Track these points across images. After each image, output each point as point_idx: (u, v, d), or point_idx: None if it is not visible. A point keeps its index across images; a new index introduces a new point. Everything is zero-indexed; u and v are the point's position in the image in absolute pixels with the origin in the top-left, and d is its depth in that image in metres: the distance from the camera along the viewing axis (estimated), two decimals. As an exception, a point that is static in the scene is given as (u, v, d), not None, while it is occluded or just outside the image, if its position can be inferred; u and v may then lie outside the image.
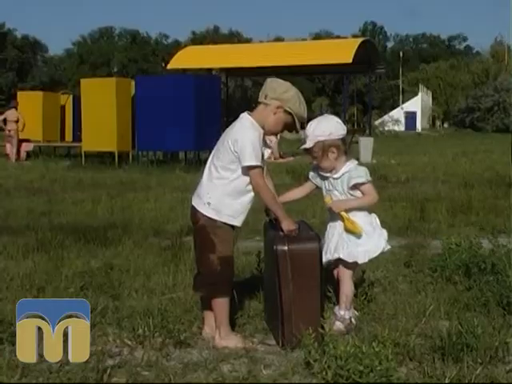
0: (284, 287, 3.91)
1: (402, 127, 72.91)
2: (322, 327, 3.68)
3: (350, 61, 23.26)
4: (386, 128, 64.54)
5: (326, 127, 4.27)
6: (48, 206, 10.14)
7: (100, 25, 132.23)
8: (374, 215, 4.39)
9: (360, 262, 4.31)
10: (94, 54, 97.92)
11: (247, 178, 3.99)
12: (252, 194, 4.05)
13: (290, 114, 4.05)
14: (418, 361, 3.65)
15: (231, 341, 3.99)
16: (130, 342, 4.00)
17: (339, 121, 4.39)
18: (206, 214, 4.00)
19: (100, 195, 11.19)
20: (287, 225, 3.96)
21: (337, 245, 4.31)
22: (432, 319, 4.40)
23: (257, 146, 3.96)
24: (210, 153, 4.18)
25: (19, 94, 26.93)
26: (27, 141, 23.11)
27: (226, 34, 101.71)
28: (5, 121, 22.79)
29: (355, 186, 4.28)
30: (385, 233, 4.40)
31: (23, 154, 22.67)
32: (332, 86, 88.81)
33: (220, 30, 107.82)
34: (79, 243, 6.90)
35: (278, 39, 77.90)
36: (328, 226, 4.43)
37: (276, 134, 4.46)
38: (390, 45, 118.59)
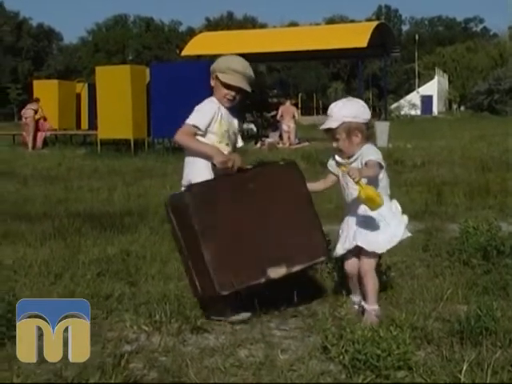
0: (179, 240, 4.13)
1: (418, 111, 72.45)
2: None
3: (365, 45, 23.12)
4: (402, 112, 64.12)
5: (353, 109, 4.12)
6: (64, 193, 10.19)
7: (114, 12, 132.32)
8: (394, 201, 4.22)
9: (379, 251, 4.12)
10: (108, 41, 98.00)
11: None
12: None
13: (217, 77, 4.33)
14: (436, 345, 3.63)
15: None
16: (146, 328, 4.00)
17: (365, 105, 4.25)
18: None
19: (116, 183, 11.22)
20: (218, 158, 4.15)
21: (355, 233, 4.10)
22: (450, 303, 4.37)
23: (204, 111, 4.31)
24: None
25: (35, 82, 27.05)
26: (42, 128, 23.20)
27: (240, 20, 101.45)
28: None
29: (366, 164, 4.03)
30: (405, 219, 4.19)
31: (40, 142, 22.77)
32: (347, 70, 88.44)
33: (234, 15, 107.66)
34: (96, 230, 6.92)
35: (293, 24, 77.59)
36: (346, 218, 4.23)
37: (228, 101, 4.34)
38: (405, 28, 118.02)
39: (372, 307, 4.09)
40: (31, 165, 15.29)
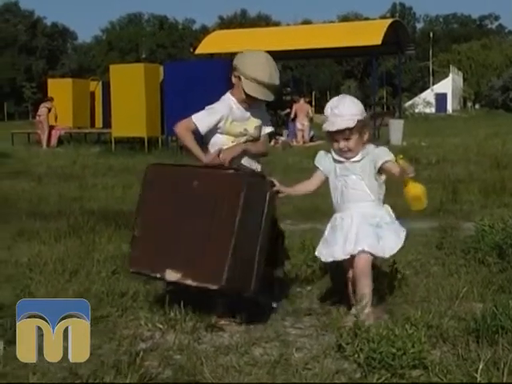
0: None
1: (432, 109, 72.13)
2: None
3: (380, 42, 22.99)
4: (417, 110, 63.86)
5: (359, 106, 3.97)
6: (79, 191, 10.23)
7: (128, 11, 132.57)
8: (387, 205, 4.05)
9: (385, 256, 3.96)
10: (122, 40, 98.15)
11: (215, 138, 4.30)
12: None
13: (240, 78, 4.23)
14: (451, 343, 3.61)
15: None
16: (161, 326, 4.01)
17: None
18: None
19: (130, 180, 11.24)
20: (205, 160, 4.17)
21: (357, 236, 3.86)
22: (465, 301, 4.35)
23: (211, 113, 4.26)
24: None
25: (49, 81, 27.15)
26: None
27: (253, 18, 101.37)
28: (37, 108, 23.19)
29: (383, 166, 3.88)
30: (402, 227, 4.04)
31: (54, 141, 22.85)
32: (361, 68, 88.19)
33: (247, 13, 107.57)
34: (110, 228, 6.93)
35: (306, 22, 77.43)
36: (338, 216, 4.00)
37: (247, 106, 4.25)
38: (419, 26, 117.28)
39: (366, 311, 3.86)
40: (46, 163, 15.34)
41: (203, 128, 4.23)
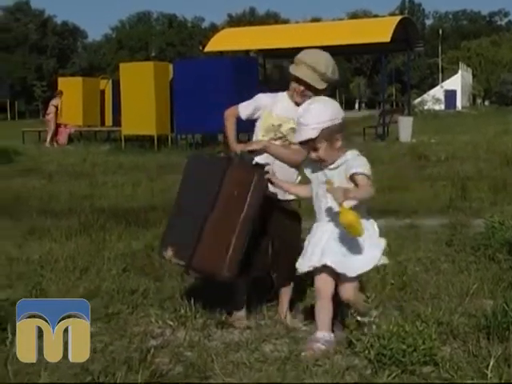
0: None
1: (441, 106, 71.85)
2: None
3: (389, 40, 22.91)
4: (426, 107, 63.64)
5: (327, 111, 3.56)
6: (89, 189, 10.26)
7: (138, 10, 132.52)
8: (372, 221, 3.63)
9: (349, 274, 3.52)
10: (132, 38, 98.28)
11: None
12: None
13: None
14: (462, 340, 3.60)
15: None
16: (172, 323, 4.02)
17: (335, 102, 3.72)
18: None
19: (140, 178, 11.27)
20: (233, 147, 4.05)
21: (324, 249, 3.55)
22: (476, 298, 4.34)
23: (252, 101, 4.15)
24: (248, 135, 4.23)
25: (60, 80, 27.18)
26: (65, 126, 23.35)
27: (262, 16, 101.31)
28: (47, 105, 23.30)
29: (352, 177, 3.48)
30: (383, 242, 3.60)
31: (64, 139, 22.89)
32: (370, 65, 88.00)
33: (256, 11, 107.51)
34: (120, 226, 6.95)
35: (315, 19, 77.24)
36: (315, 226, 3.69)
37: (298, 96, 3.96)
38: (428, 22, 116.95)
39: (320, 334, 3.62)
40: (56, 161, 15.38)
41: (243, 114, 4.16)
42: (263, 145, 4.02)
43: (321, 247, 3.57)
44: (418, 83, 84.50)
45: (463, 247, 5.75)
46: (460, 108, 71.43)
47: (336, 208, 3.46)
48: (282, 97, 4.13)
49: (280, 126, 4.05)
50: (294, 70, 4.00)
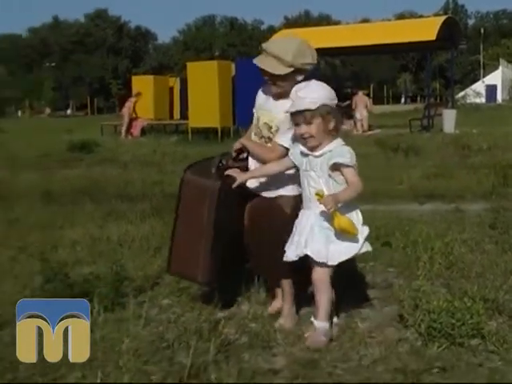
0: None
1: (482, 99, 70.20)
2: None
3: (434, 38, 22.48)
4: (468, 100, 62.25)
5: (327, 90, 3.33)
6: (159, 176, 10.34)
7: (203, 13, 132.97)
8: (356, 209, 3.36)
9: (329, 263, 3.27)
10: (197, 40, 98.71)
11: None
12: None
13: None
14: (507, 315, 3.52)
15: None
16: (237, 297, 4.02)
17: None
18: None
19: (205, 167, 11.28)
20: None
21: (307, 240, 3.30)
22: (520, 277, 4.22)
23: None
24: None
25: (133, 78, 27.49)
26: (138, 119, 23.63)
27: (316, 18, 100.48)
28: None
29: (335, 167, 3.26)
30: (366, 230, 3.34)
31: (138, 131, 23.17)
32: (415, 62, 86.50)
33: (310, 13, 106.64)
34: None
35: (365, 20, 76.22)
36: (301, 213, 3.41)
37: (265, 85, 3.66)
38: (470, 22, 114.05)
39: (321, 324, 3.34)
40: (131, 151, 15.55)
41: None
42: (240, 143, 3.78)
43: (305, 236, 3.31)
44: (461, 78, 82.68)
45: (506, 229, 5.60)
46: (500, 101, 69.70)
47: (321, 192, 3.21)
48: (260, 92, 3.80)
49: (258, 120, 3.72)
50: (255, 60, 3.57)
